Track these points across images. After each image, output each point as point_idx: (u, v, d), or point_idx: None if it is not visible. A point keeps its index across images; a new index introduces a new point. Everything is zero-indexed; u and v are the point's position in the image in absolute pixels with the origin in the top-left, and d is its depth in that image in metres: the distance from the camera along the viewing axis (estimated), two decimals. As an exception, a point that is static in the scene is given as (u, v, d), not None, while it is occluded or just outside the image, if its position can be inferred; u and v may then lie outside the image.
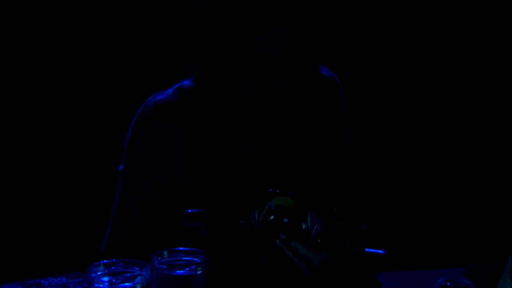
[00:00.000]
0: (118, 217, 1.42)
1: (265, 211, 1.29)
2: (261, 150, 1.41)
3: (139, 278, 1.08)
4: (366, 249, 1.50)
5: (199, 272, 1.10)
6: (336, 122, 1.46)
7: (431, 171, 2.48)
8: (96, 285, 1.09)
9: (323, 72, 1.45)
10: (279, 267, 1.30)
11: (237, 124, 1.39)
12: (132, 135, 1.42)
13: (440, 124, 2.48)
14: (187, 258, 1.12)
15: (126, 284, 1.08)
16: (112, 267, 1.11)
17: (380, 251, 1.53)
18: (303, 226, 1.29)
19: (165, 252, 1.13)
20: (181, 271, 1.10)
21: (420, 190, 2.47)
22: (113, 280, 1.09)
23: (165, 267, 1.10)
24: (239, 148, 1.40)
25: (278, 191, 1.32)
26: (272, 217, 1.28)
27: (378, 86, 2.44)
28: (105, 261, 1.11)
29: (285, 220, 1.29)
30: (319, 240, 1.31)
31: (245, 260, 1.35)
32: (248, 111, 1.37)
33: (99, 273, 1.10)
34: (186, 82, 1.43)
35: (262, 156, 1.40)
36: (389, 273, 1.39)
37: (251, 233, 1.30)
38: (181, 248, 1.13)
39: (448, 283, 1.23)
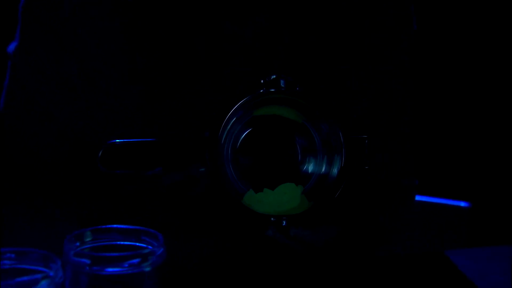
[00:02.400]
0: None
1: (238, 128, 0.95)
2: (251, 32, 1.07)
3: (43, 283, 0.75)
4: (443, 200, 1.21)
5: (147, 269, 0.77)
6: None
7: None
8: (-33, 296, 0.78)
9: None
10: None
11: None
12: None
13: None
14: (127, 242, 0.81)
15: (21, 293, 0.77)
16: (-3, 262, 0.80)
17: (463, 203, 1.23)
18: (308, 167, 0.97)
19: (88, 233, 0.79)
20: (115, 269, 0.77)
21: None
22: (-2, 288, 0.77)
23: (88, 261, 0.77)
24: (208, 29, 1.06)
25: (271, 89, 0.94)
26: (248, 132, 0.95)
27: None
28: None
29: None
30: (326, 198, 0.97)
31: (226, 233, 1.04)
32: None
33: (-26, 273, 0.78)
34: None
35: (252, 41, 1.07)
36: (460, 250, 1.09)
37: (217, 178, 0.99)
38: (117, 225, 0.80)
39: None
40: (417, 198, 1.11)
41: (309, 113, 0.96)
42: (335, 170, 0.95)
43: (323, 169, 0.96)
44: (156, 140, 0.98)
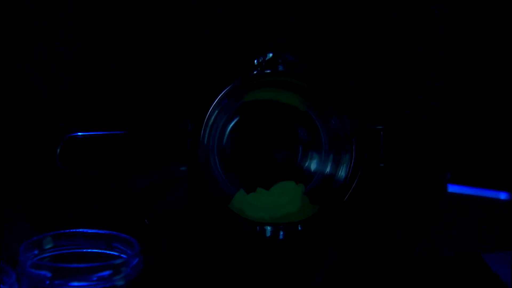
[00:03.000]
0: None
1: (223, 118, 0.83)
2: None
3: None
4: (478, 191, 1.06)
5: (119, 283, 0.66)
6: None
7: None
8: None
9: None
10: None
11: None
12: None
13: None
14: (95, 250, 0.71)
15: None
16: None
17: (502, 194, 1.07)
18: (310, 164, 0.84)
19: (48, 239, 0.70)
20: (81, 283, 0.66)
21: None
22: None
23: (49, 274, 0.66)
24: None
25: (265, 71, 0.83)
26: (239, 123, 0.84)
27: None
28: None
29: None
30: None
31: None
32: None
33: None
34: None
35: None
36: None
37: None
38: (84, 229, 0.70)
39: None
40: (449, 189, 0.99)
41: (313, 100, 0.84)
42: (343, 169, 0.83)
43: (328, 169, 0.84)
44: (127, 132, 0.86)
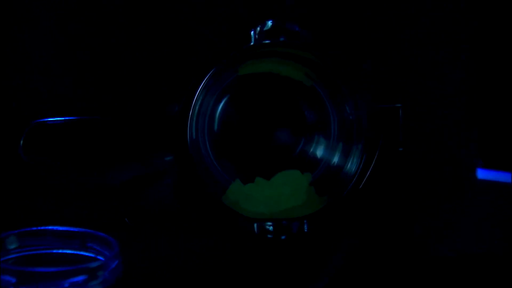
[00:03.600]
0: None
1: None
2: None
3: None
4: (508, 176, 0.97)
5: None
6: None
7: None
8: None
9: None
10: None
11: None
12: None
13: None
14: (67, 251, 0.64)
15: None
16: None
17: None
18: (315, 150, 0.75)
19: (12, 238, 0.62)
20: None
21: None
22: None
23: (13, 279, 0.59)
24: None
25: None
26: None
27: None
28: None
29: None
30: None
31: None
32: None
33: None
34: None
35: None
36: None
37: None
38: (54, 227, 0.63)
39: None
40: (479, 175, 0.91)
41: (321, 73, 0.75)
42: (353, 162, 0.73)
43: (336, 160, 0.75)
44: (102, 118, 0.77)
